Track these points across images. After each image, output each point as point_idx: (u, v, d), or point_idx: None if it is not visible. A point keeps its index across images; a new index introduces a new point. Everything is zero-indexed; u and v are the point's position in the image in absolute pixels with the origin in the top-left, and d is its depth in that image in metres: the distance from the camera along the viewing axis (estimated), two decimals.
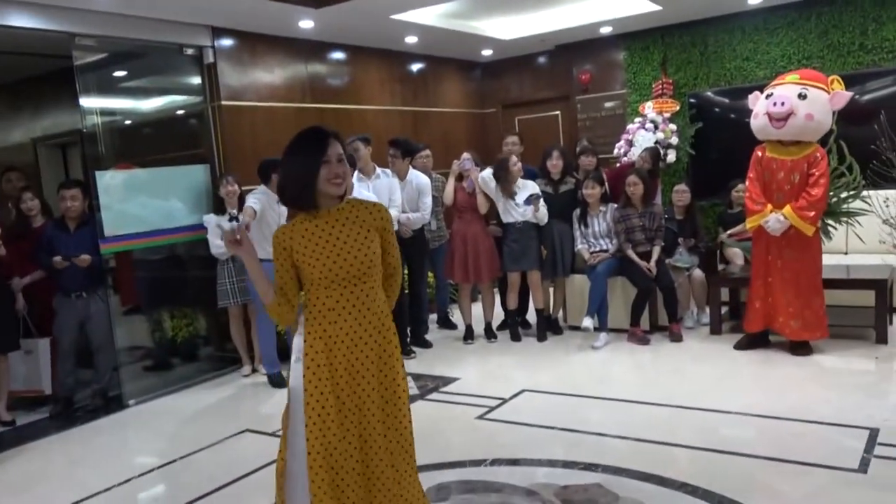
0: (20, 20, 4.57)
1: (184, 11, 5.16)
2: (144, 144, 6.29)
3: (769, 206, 4.83)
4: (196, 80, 5.76)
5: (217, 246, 5.30)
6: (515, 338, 5.88)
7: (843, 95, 4.77)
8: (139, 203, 5.29)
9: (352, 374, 2.35)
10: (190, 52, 5.61)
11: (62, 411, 4.97)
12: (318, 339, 2.33)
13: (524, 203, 5.59)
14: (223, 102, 5.70)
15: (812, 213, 4.70)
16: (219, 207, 5.41)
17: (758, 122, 4.90)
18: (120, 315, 5.40)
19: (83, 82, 5.06)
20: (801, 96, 4.71)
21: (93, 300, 5.02)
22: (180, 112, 6.26)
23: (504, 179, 5.60)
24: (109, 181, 5.14)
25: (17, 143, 7.29)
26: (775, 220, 4.75)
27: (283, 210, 5.16)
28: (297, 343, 2.39)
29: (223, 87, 5.71)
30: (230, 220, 5.34)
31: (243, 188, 5.42)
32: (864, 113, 6.08)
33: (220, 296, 5.37)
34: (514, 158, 5.67)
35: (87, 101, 5.15)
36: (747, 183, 5.02)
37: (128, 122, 6.23)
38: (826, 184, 4.74)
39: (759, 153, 4.96)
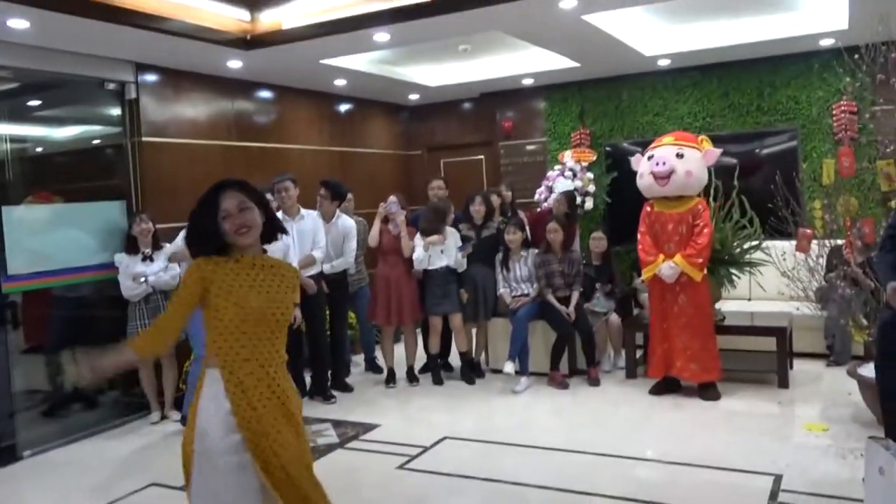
0: None
1: (107, 47, 5.03)
2: (57, 175, 6.02)
3: (661, 257, 5.15)
4: (116, 112, 5.59)
5: (128, 287, 5.12)
6: (437, 381, 5.90)
7: (713, 152, 5.21)
8: (47, 239, 5.04)
9: (264, 430, 2.27)
10: (111, 86, 5.44)
11: None
12: (237, 389, 2.26)
13: (458, 249, 5.73)
14: (144, 138, 5.55)
15: (699, 260, 5.04)
16: (131, 246, 5.23)
17: (644, 182, 5.24)
18: (18, 355, 5.09)
19: None
20: (679, 155, 5.10)
21: None
22: (97, 143, 6.05)
23: (441, 225, 5.71)
24: (16, 216, 4.88)
25: None
26: (668, 267, 5.06)
27: None
28: (211, 394, 2.28)
29: (145, 122, 5.57)
30: (143, 259, 5.18)
31: (160, 226, 5.27)
32: (762, 168, 6.58)
33: (130, 339, 5.15)
34: (451, 206, 5.85)
35: None
36: (639, 237, 5.32)
37: (40, 150, 5.98)
38: (709, 232, 5.10)
39: (649, 209, 5.31)
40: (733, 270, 5.61)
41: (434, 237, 5.72)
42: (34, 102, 5.65)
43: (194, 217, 2.36)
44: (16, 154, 5.38)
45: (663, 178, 5.07)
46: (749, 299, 6.57)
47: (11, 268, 4.76)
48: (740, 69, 7.01)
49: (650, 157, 5.20)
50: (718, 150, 5.25)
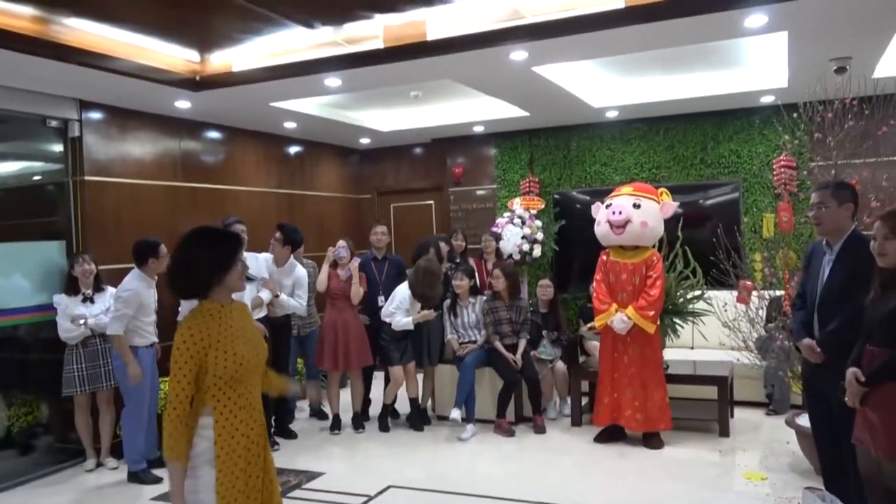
0: None
1: (50, 84, 4.94)
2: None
3: (614, 306, 5.20)
4: (58, 149, 5.47)
5: (66, 329, 4.94)
6: (384, 429, 5.81)
7: (671, 205, 5.34)
8: None
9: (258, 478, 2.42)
10: (54, 123, 5.33)
11: None
12: (233, 440, 2.33)
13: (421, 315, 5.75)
14: (86, 177, 5.43)
15: (652, 313, 5.11)
16: (72, 287, 5.07)
17: (601, 230, 5.34)
18: None
19: None
20: (636, 206, 5.21)
21: None
22: (37, 180, 5.88)
23: (436, 290, 5.68)
24: None
25: None
26: (619, 320, 5.12)
27: (154, 293, 4.94)
28: (204, 449, 2.31)
29: (88, 160, 5.45)
30: (83, 300, 5.03)
31: (102, 267, 5.13)
32: (705, 219, 6.79)
33: (66, 383, 4.97)
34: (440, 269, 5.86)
35: None
36: (594, 284, 5.40)
37: None
38: (662, 284, 5.19)
39: (605, 257, 5.39)
40: (677, 320, 5.72)
41: (428, 313, 5.71)
42: None
43: (208, 256, 2.37)
44: None
45: (619, 226, 5.15)
46: (692, 348, 6.69)
47: None
48: (685, 122, 7.27)
49: (608, 206, 5.30)
50: (675, 204, 5.36)
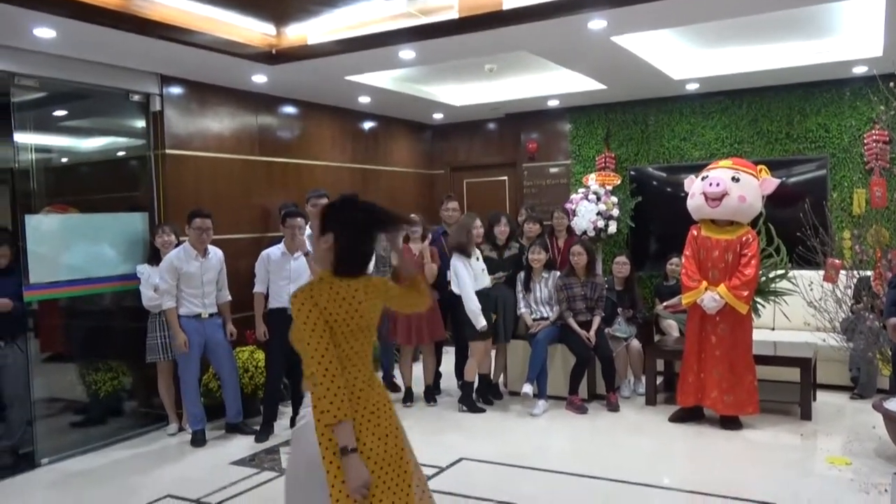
0: None
1: (132, 58, 5.08)
2: (80, 185, 6.08)
3: (704, 284, 4.98)
4: (140, 124, 5.64)
5: (149, 298, 5.12)
6: (474, 408, 5.66)
7: (772, 182, 5.05)
8: (69, 249, 5.07)
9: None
10: (136, 98, 5.50)
11: None
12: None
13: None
14: (167, 151, 5.59)
15: (745, 293, 4.87)
16: (154, 257, 5.25)
17: (694, 202, 5.11)
18: (39, 364, 5.11)
19: (19, 119, 4.87)
20: (735, 179, 4.96)
21: (9, 349, 4.74)
22: (121, 155, 6.10)
23: (467, 242, 5.60)
24: (39, 225, 4.92)
25: None
26: (710, 298, 4.90)
27: (200, 264, 5.03)
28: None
29: (169, 134, 5.61)
30: None
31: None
32: (790, 197, 6.44)
33: (150, 350, 5.16)
34: (478, 222, 5.72)
35: (21, 138, 4.94)
36: (683, 260, 5.19)
37: (64, 161, 6.04)
38: (757, 264, 4.95)
39: (695, 232, 5.16)
40: (758, 299, 5.49)
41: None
42: (60, 112, 5.71)
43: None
44: (40, 164, 5.42)
45: (715, 199, 4.93)
46: (773, 329, 6.43)
47: (33, 276, 4.79)
48: (770, 95, 6.93)
49: (704, 178, 5.08)
50: (777, 181, 5.09)
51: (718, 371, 4.97)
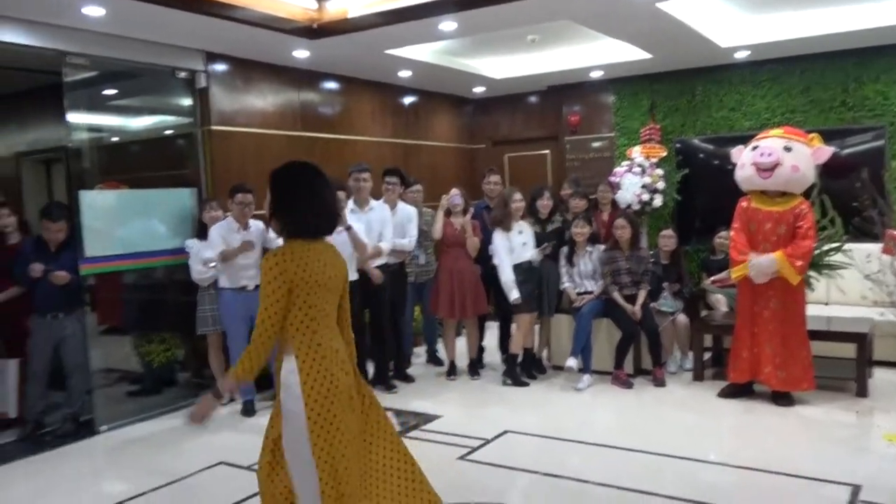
0: (12, 36, 4.53)
1: (178, 35, 5.14)
2: (130, 163, 6.22)
3: (752, 255, 4.86)
4: (187, 102, 5.73)
5: (198, 272, 5.23)
6: (521, 384, 5.64)
7: (825, 150, 4.88)
8: (122, 224, 5.20)
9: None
10: (182, 75, 5.58)
11: (31, 435, 4.81)
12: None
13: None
14: (213, 127, 5.66)
15: (800, 263, 4.74)
16: (201, 232, 5.34)
17: (744, 173, 4.97)
18: (96, 336, 5.27)
19: (71, 99, 4.99)
20: (787, 149, 4.81)
21: (69, 321, 4.90)
22: (169, 133, 6.21)
23: (504, 216, 5.58)
24: (93, 201, 5.05)
25: (0, 156, 7.18)
26: (767, 259, 4.73)
27: (240, 237, 5.11)
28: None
29: (214, 111, 5.68)
30: None
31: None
32: (846, 168, 6.22)
33: (200, 322, 5.27)
34: (517, 195, 5.66)
35: (74, 118, 5.07)
36: (732, 233, 5.07)
37: (115, 139, 6.17)
38: (814, 236, 4.81)
39: (745, 204, 5.03)
40: (812, 273, 5.33)
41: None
42: (109, 92, 5.83)
43: (327, 193, 2.58)
44: (93, 143, 5.56)
45: (767, 170, 4.78)
46: (826, 303, 6.25)
47: (89, 250, 4.92)
48: (824, 62, 6.69)
49: (754, 148, 4.92)
50: (831, 149, 4.91)
51: (772, 346, 4.86)
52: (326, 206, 2.53)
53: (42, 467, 4.34)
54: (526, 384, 5.65)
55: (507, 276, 5.50)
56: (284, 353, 2.46)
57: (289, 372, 2.44)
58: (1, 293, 4.93)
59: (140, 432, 4.93)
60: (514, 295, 5.48)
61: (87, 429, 4.91)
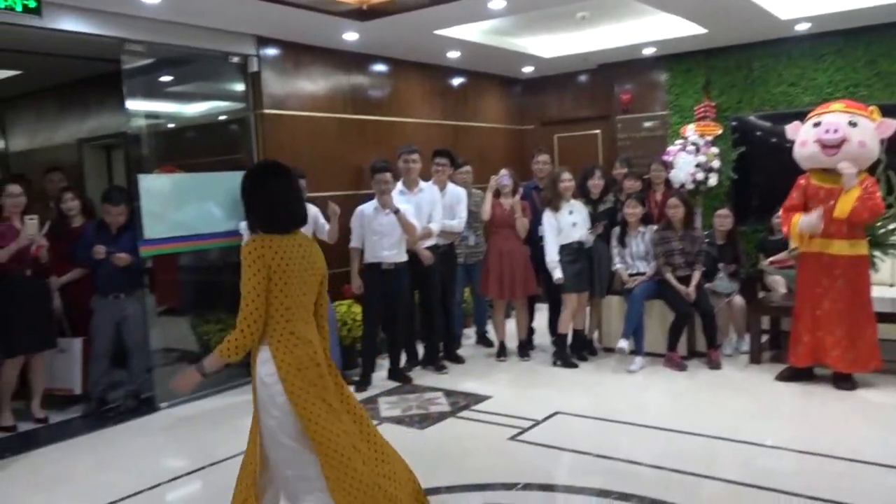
0: (72, 25, 4.65)
1: (231, 20, 5.22)
2: (186, 148, 6.35)
3: (799, 215, 4.74)
4: (240, 87, 5.81)
5: None
6: (571, 365, 5.63)
7: (890, 124, 4.68)
8: (178, 207, 5.33)
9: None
10: (235, 59, 5.66)
11: (94, 411, 5.01)
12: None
13: (589, 231, 5.56)
14: (265, 111, 5.74)
15: (866, 214, 4.56)
16: None
17: (806, 150, 4.79)
18: (155, 317, 5.43)
19: (130, 86, 5.13)
20: (852, 124, 4.63)
21: (129, 302, 5.06)
22: (223, 118, 6.32)
23: (554, 196, 5.54)
24: (151, 185, 5.18)
25: (64, 143, 7.44)
26: (849, 171, 4.50)
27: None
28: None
29: (266, 95, 5.76)
30: None
31: None
32: None
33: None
34: (565, 175, 5.60)
35: (133, 105, 5.21)
36: (781, 212, 4.93)
37: (171, 125, 6.31)
38: (882, 205, 4.63)
39: (804, 181, 4.87)
40: (876, 253, 5.13)
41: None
42: (165, 78, 5.96)
43: (290, 188, 2.65)
44: (150, 129, 5.69)
45: (833, 147, 4.61)
46: (891, 285, 6.00)
47: (147, 233, 5.06)
48: (892, 33, 6.38)
49: (816, 124, 4.76)
50: (895, 122, 4.71)
51: (840, 328, 4.70)
52: (285, 203, 2.60)
53: (105, 442, 4.51)
54: (575, 365, 5.61)
55: (550, 256, 5.50)
56: (259, 343, 2.53)
57: (263, 362, 2.52)
58: (65, 275, 5.12)
59: (198, 409, 5.07)
60: (556, 275, 5.47)
61: (147, 405, 5.08)
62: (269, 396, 2.51)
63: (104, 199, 5.10)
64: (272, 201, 2.57)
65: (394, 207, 5.13)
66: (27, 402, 4.86)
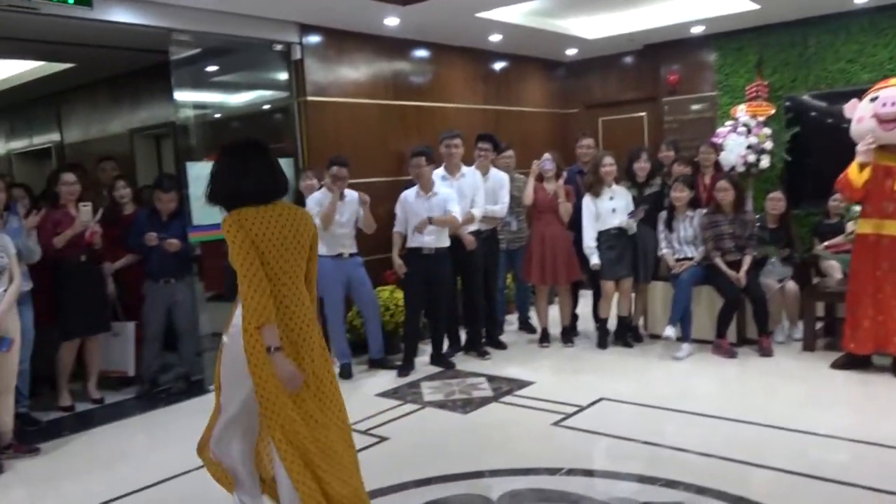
0: (122, 16, 4.76)
1: (273, 7, 5.25)
2: (232, 137, 6.42)
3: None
4: (283, 75, 5.87)
5: None
6: (602, 345, 5.67)
7: None
8: None
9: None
10: (278, 48, 5.71)
11: (147, 393, 5.15)
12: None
13: (628, 216, 5.48)
14: (308, 98, 5.78)
15: None
16: (298, 201, 5.49)
17: (863, 127, 4.61)
18: (203, 303, 5.55)
19: (178, 77, 5.23)
20: None
21: (180, 287, 5.18)
22: (267, 107, 6.39)
23: (595, 180, 5.47)
24: (199, 173, 5.27)
25: (116, 133, 7.64)
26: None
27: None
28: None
29: (309, 82, 5.80)
30: None
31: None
32: None
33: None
34: (607, 159, 5.52)
35: (181, 95, 5.31)
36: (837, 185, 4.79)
37: (218, 115, 6.41)
38: None
39: None
40: None
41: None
42: (212, 68, 6.05)
43: (272, 161, 2.73)
44: (198, 118, 5.79)
45: (891, 121, 4.43)
46: None
47: (196, 219, 5.16)
48: None
49: (874, 99, 4.58)
50: None
51: None
52: (257, 173, 2.62)
53: (157, 422, 4.64)
54: (630, 345, 5.64)
55: (587, 242, 5.50)
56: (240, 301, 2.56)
57: (238, 315, 2.58)
58: (118, 261, 5.27)
59: None
60: (593, 260, 5.46)
61: (197, 388, 5.19)
62: (232, 338, 2.62)
63: (155, 186, 5.23)
64: (237, 174, 2.61)
65: (426, 223, 5.12)
66: (84, 384, 5.03)
